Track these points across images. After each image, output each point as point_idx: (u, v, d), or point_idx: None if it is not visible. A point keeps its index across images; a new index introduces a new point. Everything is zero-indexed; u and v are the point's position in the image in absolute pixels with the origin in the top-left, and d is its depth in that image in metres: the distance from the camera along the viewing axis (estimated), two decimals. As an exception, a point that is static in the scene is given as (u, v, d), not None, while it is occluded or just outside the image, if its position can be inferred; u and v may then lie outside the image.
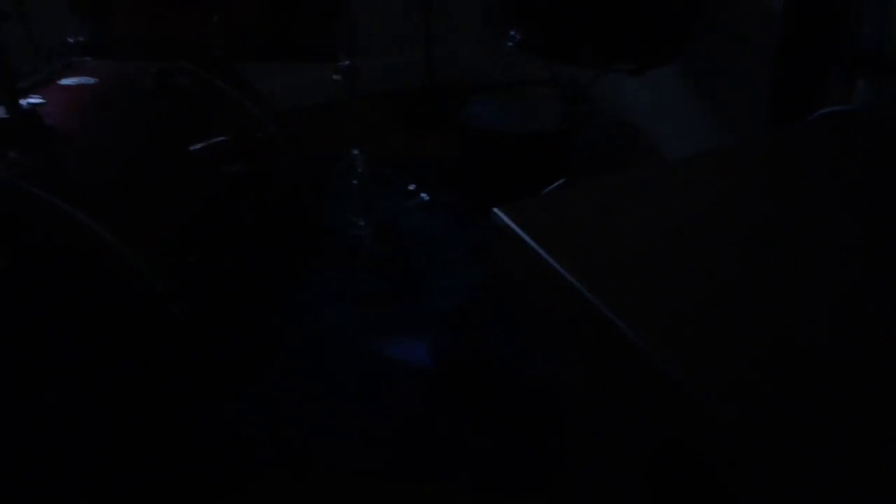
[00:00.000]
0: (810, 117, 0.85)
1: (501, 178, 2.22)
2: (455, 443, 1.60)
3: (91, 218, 1.30)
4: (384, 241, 1.98)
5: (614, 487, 0.73)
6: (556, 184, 2.02)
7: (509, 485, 1.52)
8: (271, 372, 1.76)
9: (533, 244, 0.65)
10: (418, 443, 1.61)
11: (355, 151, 1.93)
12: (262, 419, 1.65)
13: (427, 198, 2.15)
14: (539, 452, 1.56)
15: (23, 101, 1.37)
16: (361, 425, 1.64)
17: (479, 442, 1.60)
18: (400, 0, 2.84)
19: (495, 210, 0.69)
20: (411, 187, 2.16)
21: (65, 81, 1.56)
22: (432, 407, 1.68)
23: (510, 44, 1.80)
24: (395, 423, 1.64)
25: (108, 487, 1.41)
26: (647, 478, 0.67)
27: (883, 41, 1.53)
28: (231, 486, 1.52)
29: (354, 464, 1.57)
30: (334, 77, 1.75)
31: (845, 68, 1.57)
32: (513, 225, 0.66)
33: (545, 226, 0.66)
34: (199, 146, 1.56)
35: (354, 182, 1.93)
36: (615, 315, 0.56)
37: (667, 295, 0.59)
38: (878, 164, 0.75)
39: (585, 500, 0.79)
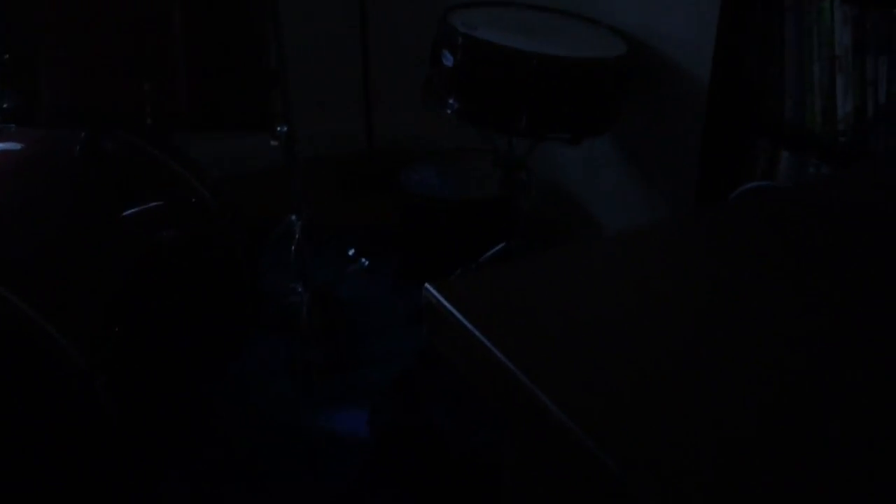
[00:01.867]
0: (736, 191, 0.87)
1: (441, 243, 2.23)
2: (394, 517, 1.56)
3: (12, 292, 1.24)
4: (322, 308, 1.95)
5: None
6: (496, 248, 2.03)
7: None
8: (203, 449, 1.69)
9: (465, 322, 0.63)
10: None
11: (293, 217, 1.91)
12: (193, 499, 1.58)
13: (366, 263, 2.14)
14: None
15: (-58, 169, 1.32)
16: (299, 500, 1.58)
17: (418, 516, 1.56)
18: (339, 67, 2.87)
19: (426, 286, 0.67)
20: (350, 253, 2.14)
21: (-12, 148, 1.51)
22: (372, 480, 1.64)
23: (449, 112, 1.82)
24: (334, 498, 1.59)
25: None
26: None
27: (804, 115, 1.60)
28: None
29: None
30: (272, 143, 1.74)
31: (769, 141, 1.63)
32: (444, 302, 0.65)
33: (478, 304, 0.65)
34: (131, 212, 1.52)
35: (292, 248, 1.90)
36: (549, 397, 0.55)
37: (603, 377, 0.58)
38: (799, 237, 0.76)
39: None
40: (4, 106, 1.41)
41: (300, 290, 1.88)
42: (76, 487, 1.34)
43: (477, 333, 0.62)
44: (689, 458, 0.51)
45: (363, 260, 2.14)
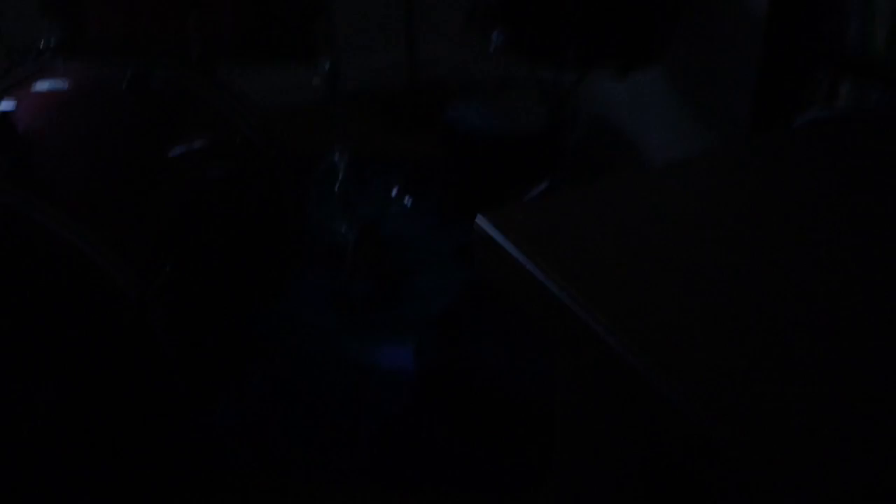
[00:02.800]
0: (795, 121, 0.83)
1: (485, 180, 2.21)
2: (438, 449, 1.58)
3: (64, 226, 1.26)
4: (367, 245, 1.96)
5: (603, 500, 0.71)
6: (540, 187, 2.01)
7: (494, 492, 1.50)
8: (252, 378, 1.73)
9: (517, 253, 0.63)
10: (402, 449, 1.59)
11: (337, 154, 1.91)
12: (243, 425, 1.62)
13: (410, 200, 2.13)
14: (526, 460, 1.54)
15: (-6, 107, 1.34)
16: (344, 431, 1.62)
17: (463, 448, 1.58)
18: (381, 0, 2.82)
19: (477, 217, 0.66)
20: (394, 190, 2.14)
21: (37, 86, 1.52)
22: (416, 412, 1.66)
23: (494, 45, 1.78)
24: (379, 429, 1.62)
25: (87, 492, 1.38)
26: (639, 492, 0.65)
27: (867, 42, 1.53)
28: (211, 492, 1.50)
29: (336, 470, 1.55)
30: (315, 79, 1.73)
31: (830, 69, 1.57)
32: (496, 233, 0.64)
33: (529, 235, 0.64)
34: (176, 150, 1.53)
35: (336, 185, 1.90)
36: (604, 327, 0.54)
37: (657, 306, 0.57)
38: (864, 168, 0.73)
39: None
40: (51, 41, 1.41)
41: (345, 225, 1.89)
42: (132, 414, 1.38)
43: (529, 264, 0.61)
44: (745, 381, 0.50)
45: (407, 196, 2.14)
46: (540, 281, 0.59)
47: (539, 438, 1.58)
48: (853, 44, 1.54)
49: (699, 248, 0.63)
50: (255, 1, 1.42)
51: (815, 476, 0.44)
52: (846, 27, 1.55)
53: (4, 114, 1.33)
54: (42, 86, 1.52)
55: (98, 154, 1.47)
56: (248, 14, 1.41)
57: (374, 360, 1.81)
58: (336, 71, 1.73)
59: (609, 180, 0.75)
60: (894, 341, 0.54)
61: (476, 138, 2.17)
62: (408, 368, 1.77)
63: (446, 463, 1.56)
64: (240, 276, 1.67)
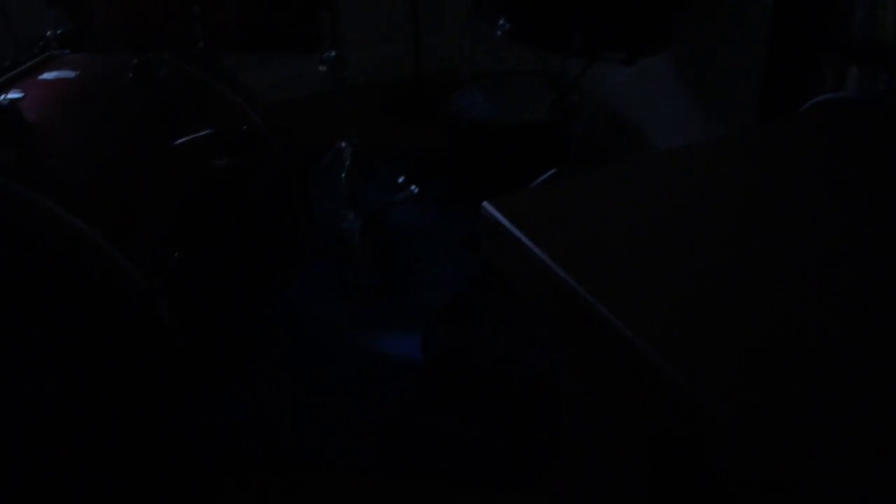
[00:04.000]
0: (803, 106, 0.83)
1: (491, 169, 2.21)
2: (448, 439, 1.59)
3: (72, 215, 1.27)
4: (373, 235, 1.96)
5: (611, 485, 0.71)
6: (547, 174, 2.01)
7: (503, 481, 1.51)
8: (260, 368, 1.74)
9: (524, 239, 0.63)
10: (410, 439, 1.59)
11: (343, 144, 1.91)
12: (251, 416, 1.63)
13: (416, 190, 2.13)
14: (534, 448, 1.55)
15: (1, 97, 1.34)
16: (352, 422, 1.62)
17: (472, 438, 1.59)
18: (387, -10, 2.81)
19: (484, 204, 0.67)
20: (400, 179, 2.14)
21: (44, 75, 1.53)
22: (424, 402, 1.67)
23: (499, 33, 1.78)
24: (387, 420, 1.62)
25: (96, 486, 1.39)
26: (645, 476, 0.65)
27: (875, 28, 1.52)
28: (220, 484, 1.50)
29: (345, 460, 1.55)
30: (320, 68, 1.72)
31: (837, 56, 1.56)
32: (503, 219, 0.64)
33: (536, 220, 0.64)
34: (183, 140, 1.53)
35: (342, 175, 1.91)
36: (610, 311, 0.55)
37: (662, 290, 0.57)
38: (872, 153, 0.73)
39: (581, 497, 0.78)
40: (59, 32, 1.41)
41: (351, 215, 1.89)
42: (138, 406, 1.39)
43: (536, 249, 0.61)
44: (749, 365, 0.50)
45: (413, 187, 2.14)
46: (546, 265, 0.59)
47: (547, 425, 1.58)
48: (860, 31, 1.53)
49: (705, 234, 0.63)
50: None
51: (815, 459, 0.45)
52: (853, 14, 1.54)
53: (12, 102, 1.34)
54: (49, 76, 1.53)
55: (105, 144, 1.48)
56: (251, 4, 1.41)
57: (382, 349, 1.81)
58: (341, 61, 1.73)
59: (615, 167, 0.75)
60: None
61: (482, 128, 2.17)
62: (415, 358, 1.78)
63: (454, 453, 1.56)
64: (247, 267, 1.67)
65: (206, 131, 1.57)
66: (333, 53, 1.71)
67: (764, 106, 1.71)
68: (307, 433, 1.60)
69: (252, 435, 1.59)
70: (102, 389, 1.35)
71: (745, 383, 0.49)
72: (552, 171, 2.00)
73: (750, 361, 0.50)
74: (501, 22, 1.76)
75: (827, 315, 0.55)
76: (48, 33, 1.45)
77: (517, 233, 0.63)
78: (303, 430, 1.61)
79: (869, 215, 0.65)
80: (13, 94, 1.38)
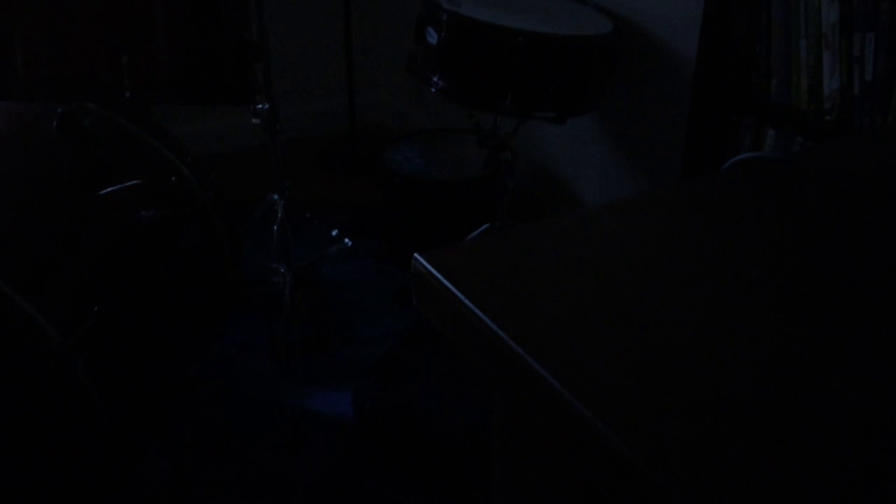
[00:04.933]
0: (725, 164, 0.86)
1: (424, 224, 2.21)
2: (378, 501, 1.55)
3: (-15, 269, 1.21)
4: (305, 289, 1.93)
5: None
6: (480, 229, 2.02)
7: (434, 541, 1.47)
8: (185, 427, 1.67)
9: (455, 291, 0.62)
10: (339, 501, 1.54)
11: (275, 197, 1.88)
12: (174, 477, 1.56)
13: (349, 243, 2.12)
14: (465, 505, 1.52)
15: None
16: (280, 483, 1.57)
17: (402, 500, 1.55)
18: (321, 45, 2.83)
19: (416, 256, 0.66)
20: (333, 233, 2.13)
21: (-38, 123, 1.47)
22: (355, 462, 1.63)
23: (433, 90, 1.80)
24: (315, 480, 1.57)
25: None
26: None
27: (790, 93, 1.60)
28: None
29: (272, 523, 1.49)
30: (253, 121, 1.71)
31: (755, 119, 1.63)
32: (433, 271, 0.64)
33: (467, 273, 0.64)
34: (108, 190, 1.49)
35: (274, 228, 1.88)
36: (541, 365, 0.54)
37: (594, 345, 0.57)
38: (789, 207, 0.76)
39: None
40: (-22, 79, 1.37)
41: (283, 270, 1.86)
42: (58, 467, 1.32)
43: (467, 302, 0.61)
44: (683, 423, 0.50)
45: (346, 240, 2.12)
46: (476, 318, 0.59)
47: (481, 485, 1.56)
48: (777, 94, 1.61)
49: (634, 287, 0.64)
50: (190, 41, 1.41)
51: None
52: (770, 79, 1.62)
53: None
54: (-33, 124, 1.47)
55: (23, 195, 1.42)
56: (182, 54, 1.39)
57: (313, 407, 1.77)
58: (274, 114, 1.72)
59: (545, 221, 0.75)
60: (827, 372, 0.55)
61: (416, 183, 2.18)
62: (346, 415, 1.74)
63: (385, 512, 1.52)
64: (173, 322, 1.62)
65: (133, 182, 1.53)
66: (266, 106, 1.70)
67: (687, 163, 1.76)
68: (233, 495, 1.54)
69: (175, 497, 1.52)
70: (18, 450, 1.27)
71: (679, 443, 0.49)
72: (485, 225, 2.02)
73: (682, 420, 0.50)
74: (435, 79, 1.79)
75: (760, 370, 0.55)
76: (-33, 81, 1.40)
77: (448, 285, 0.62)
78: (229, 492, 1.54)
79: (789, 267, 0.67)
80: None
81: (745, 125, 1.66)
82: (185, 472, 1.58)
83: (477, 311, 0.60)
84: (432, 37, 1.78)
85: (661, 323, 0.59)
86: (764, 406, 0.52)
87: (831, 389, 0.53)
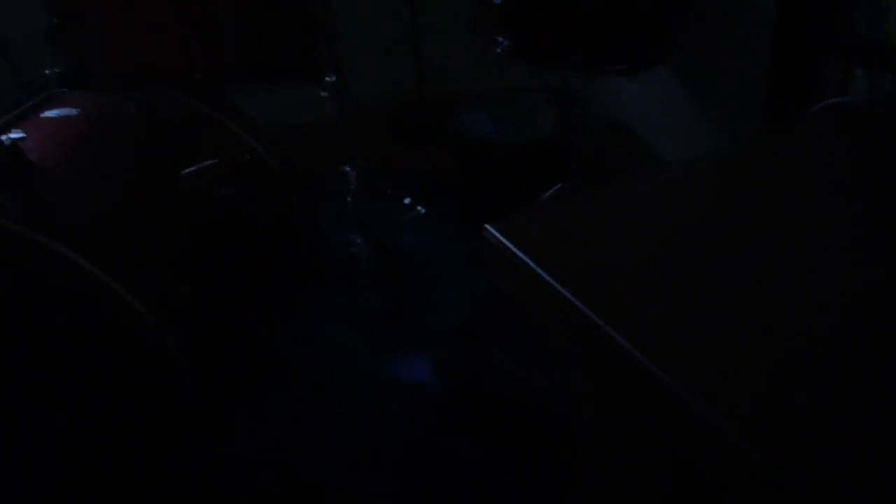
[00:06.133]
0: (810, 111, 0.81)
1: (497, 187, 2.19)
2: (466, 465, 1.56)
3: (76, 253, 1.26)
4: (383, 257, 1.95)
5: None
6: (553, 190, 1.99)
7: (522, 504, 1.48)
8: (272, 398, 1.72)
9: (528, 262, 0.61)
10: (427, 464, 1.57)
11: (347, 168, 1.90)
12: (264, 447, 1.61)
13: (423, 211, 2.12)
14: (551, 471, 1.52)
15: (4, 137, 1.34)
16: (368, 449, 1.60)
17: (489, 462, 1.56)
18: (386, 14, 2.82)
19: (486, 227, 0.65)
20: (407, 201, 2.13)
21: (46, 114, 1.53)
22: (441, 428, 1.64)
23: (499, 51, 1.77)
24: (404, 445, 1.60)
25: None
26: (663, 500, 0.63)
27: (879, 29, 1.50)
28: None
29: (362, 489, 1.53)
30: (322, 95, 1.72)
31: (842, 59, 1.54)
32: (505, 242, 0.63)
33: (539, 242, 0.63)
34: (187, 171, 1.53)
35: (348, 199, 1.90)
36: (620, 335, 0.53)
37: (672, 311, 0.55)
38: (880, 157, 0.71)
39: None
40: (58, 70, 1.42)
41: (359, 240, 1.88)
42: (153, 442, 1.38)
43: (539, 271, 0.60)
44: (765, 385, 0.48)
45: (420, 208, 2.13)
46: (552, 288, 0.58)
47: (564, 448, 1.56)
48: (865, 31, 1.51)
49: (716, 250, 0.62)
50: (257, 21, 1.42)
51: (828, 479, 0.43)
52: (857, 15, 1.52)
53: (14, 142, 1.34)
54: (51, 114, 1.53)
55: (109, 180, 1.48)
56: (250, 34, 1.41)
57: (395, 374, 1.79)
58: (344, 86, 1.73)
59: (620, 186, 0.73)
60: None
61: (487, 147, 2.16)
62: (429, 382, 1.76)
63: (474, 480, 1.54)
64: (257, 295, 1.66)
65: (211, 161, 1.56)
66: (334, 79, 1.70)
67: (770, 111, 1.69)
68: (323, 462, 1.58)
69: (266, 466, 1.57)
70: (114, 426, 1.34)
71: (763, 407, 0.47)
72: (558, 186, 1.99)
73: (766, 381, 0.49)
74: (500, 40, 1.75)
75: (843, 328, 0.53)
76: (47, 72, 1.45)
77: (520, 255, 0.61)
78: (318, 460, 1.59)
79: (880, 222, 0.63)
80: (15, 134, 1.38)
81: (831, 66, 1.58)
82: (277, 443, 1.63)
83: (551, 280, 0.59)
84: (496, -4, 1.75)
85: (746, 287, 0.57)
86: (842, 370, 0.49)
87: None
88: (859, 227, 0.62)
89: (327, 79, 1.67)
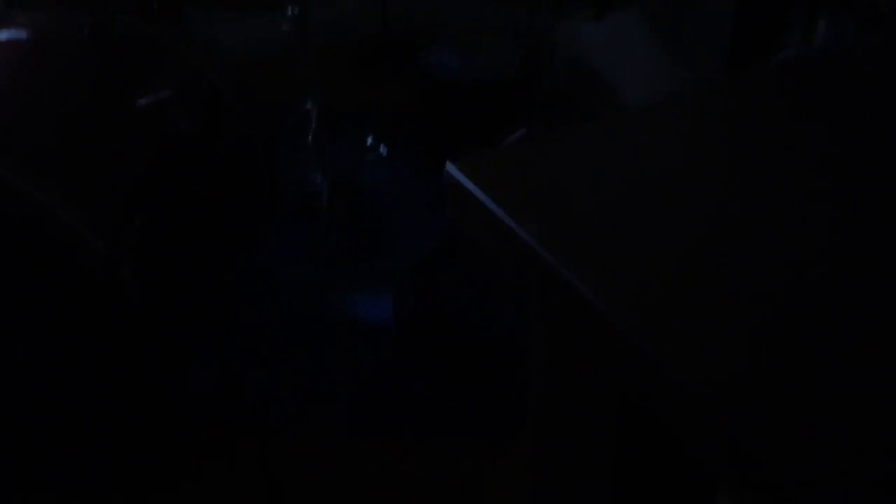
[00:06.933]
0: (773, 60, 0.81)
1: (461, 127, 2.17)
2: (419, 399, 1.59)
3: (27, 181, 1.23)
4: (342, 196, 1.93)
5: (576, 449, 0.71)
6: (517, 133, 1.98)
7: (473, 440, 1.51)
8: (229, 334, 1.72)
9: (488, 201, 0.61)
10: (382, 400, 1.59)
11: (308, 104, 1.86)
12: (221, 383, 1.61)
13: (385, 150, 2.10)
14: (506, 406, 1.55)
15: (-53, 59, 1.29)
16: (325, 385, 1.62)
17: (443, 397, 1.59)
18: (351, -57, 2.73)
19: (447, 165, 0.64)
20: (369, 140, 2.11)
21: (-7, 36, 1.47)
22: (396, 363, 1.66)
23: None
24: (360, 382, 1.62)
25: (62, 461, 1.37)
26: (611, 441, 0.65)
27: (845, -21, 1.50)
28: (190, 452, 1.49)
29: (318, 423, 1.55)
30: (283, 28, 1.67)
31: (807, 6, 1.54)
32: (466, 182, 0.62)
33: (501, 181, 0.62)
34: (142, 101, 1.48)
35: (309, 136, 1.87)
36: (578, 278, 0.53)
37: (633, 256, 0.56)
38: (842, 106, 0.72)
39: (546, 460, 0.77)
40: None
41: (319, 178, 1.86)
42: (105, 378, 1.37)
43: (500, 213, 0.59)
44: (722, 338, 0.49)
45: (382, 146, 2.10)
46: (510, 230, 0.58)
47: (519, 384, 1.59)
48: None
49: (678, 195, 0.62)
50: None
51: (786, 426, 0.44)
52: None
53: (-42, 67, 1.28)
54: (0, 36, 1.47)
55: (61, 105, 1.43)
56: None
57: (353, 312, 1.80)
58: (305, 18, 1.68)
59: (584, 126, 0.73)
60: (880, 288, 0.53)
61: (451, 85, 2.13)
62: (387, 319, 1.77)
63: (427, 413, 1.56)
64: (213, 231, 1.64)
65: (166, 92, 1.52)
66: (297, 10, 1.65)
67: (734, 57, 1.69)
68: (279, 398, 1.59)
69: (223, 402, 1.58)
70: (64, 359, 1.32)
71: (718, 352, 0.48)
72: (522, 131, 1.98)
73: (724, 333, 0.49)
74: (468, -24, 1.72)
75: (807, 284, 0.53)
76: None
77: (480, 195, 0.61)
78: (275, 395, 1.59)
79: (844, 170, 0.64)
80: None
81: (795, 13, 1.58)
82: (231, 378, 1.63)
83: (511, 221, 0.59)
84: (465, -70, 1.71)
85: (703, 234, 0.57)
86: (806, 321, 0.50)
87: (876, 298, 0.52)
88: (825, 177, 0.63)
89: (289, 11, 1.62)
